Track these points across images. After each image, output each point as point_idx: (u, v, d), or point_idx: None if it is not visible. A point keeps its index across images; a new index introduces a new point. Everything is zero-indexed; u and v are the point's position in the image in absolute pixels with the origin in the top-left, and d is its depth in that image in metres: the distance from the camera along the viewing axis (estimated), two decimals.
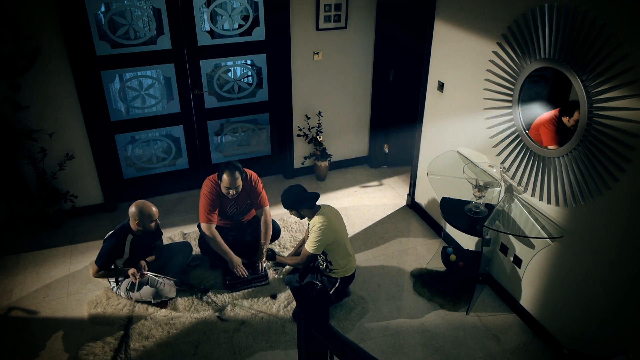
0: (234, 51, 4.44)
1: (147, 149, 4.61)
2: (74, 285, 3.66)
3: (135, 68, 4.20)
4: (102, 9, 3.93)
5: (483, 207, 3.39)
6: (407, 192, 4.71)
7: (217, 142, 4.92)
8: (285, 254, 3.93)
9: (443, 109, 3.89)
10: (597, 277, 2.75)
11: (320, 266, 3.39)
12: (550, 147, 2.86)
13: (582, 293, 2.87)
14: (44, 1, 3.60)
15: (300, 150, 5.01)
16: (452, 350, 3.15)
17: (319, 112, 4.87)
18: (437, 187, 3.76)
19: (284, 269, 3.74)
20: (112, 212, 4.53)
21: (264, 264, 3.66)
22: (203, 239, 3.74)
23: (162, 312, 3.38)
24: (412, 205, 4.62)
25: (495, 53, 3.15)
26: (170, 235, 4.15)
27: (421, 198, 4.47)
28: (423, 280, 3.68)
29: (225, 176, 3.49)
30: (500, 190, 3.32)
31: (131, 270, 3.34)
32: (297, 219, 4.36)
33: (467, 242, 3.81)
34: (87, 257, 3.93)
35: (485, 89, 3.31)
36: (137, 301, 3.43)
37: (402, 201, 4.74)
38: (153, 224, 3.37)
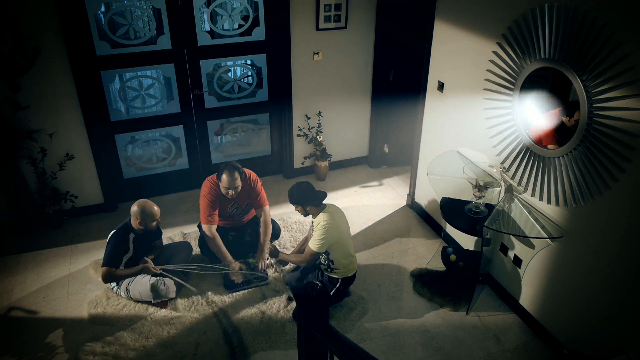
0: (234, 51, 4.44)
1: (147, 149, 4.61)
2: (74, 285, 3.66)
3: (135, 68, 4.20)
4: (102, 9, 3.93)
5: (483, 207, 3.39)
6: (407, 192, 4.71)
7: (217, 142, 4.92)
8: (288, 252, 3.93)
9: (443, 109, 3.89)
10: (597, 277, 2.75)
11: (322, 265, 3.39)
12: (549, 147, 2.86)
13: (582, 293, 2.87)
14: (44, 1, 3.60)
15: (300, 150, 5.01)
16: (452, 350, 3.15)
17: (319, 112, 4.87)
18: (437, 187, 3.76)
19: (284, 267, 3.74)
20: (112, 212, 4.53)
21: (267, 261, 3.66)
22: (203, 239, 3.74)
23: (162, 312, 3.38)
24: (412, 205, 4.62)
25: (495, 53, 3.15)
26: (170, 235, 4.15)
27: (421, 198, 4.47)
28: (423, 280, 3.68)
29: (224, 176, 3.50)
30: (500, 190, 3.32)
31: (150, 266, 3.38)
32: (298, 219, 4.35)
33: (467, 242, 3.81)
34: (87, 257, 3.93)
35: (485, 89, 3.31)
36: (137, 301, 3.43)
37: (402, 201, 4.74)
38: (154, 224, 3.39)
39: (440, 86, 3.85)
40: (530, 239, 3.11)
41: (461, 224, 3.34)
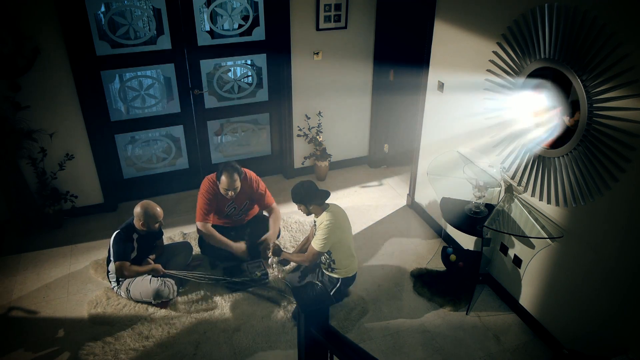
0: (234, 51, 4.44)
1: (147, 149, 4.61)
2: (74, 285, 3.66)
3: (135, 68, 4.21)
4: (102, 9, 3.93)
5: (483, 207, 3.39)
6: (407, 192, 4.71)
7: (217, 142, 4.92)
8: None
9: (443, 109, 3.89)
10: (597, 277, 2.75)
11: (323, 265, 3.39)
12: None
13: (582, 293, 2.87)
14: (44, 1, 3.60)
15: (300, 150, 5.01)
16: (452, 350, 3.15)
17: (319, 112, 4.87)
18: (437, 187, 3.76)
19: (285, 267, 3.74)
20: (112, 212, 4.53)
21: (270, 260, 3.66)
22: (203, 239, 3.74)
23: (162, 312, 3.38)
24: (412, 205, 4.62)
25: (495, 53, 3.15)
26: (170, 235, 4.15)
27: (421, 198, 4.47)
28: (423, 280, 3.68)
29: (223, 178, 3.50)
30: (500, 190, 3.32)
31: (156, 265, 3.42)
32: (298, 219, 4.35)
33: (467, 242, 3.81)
34: (87, 257, 3.93)
35: (485, 89, 3.31)
36: (137, 301, 3.43)
37: (402, 201, 4.74)
38: (157, 225, 3.41)
39: (441, 86, 3.85)
40: (530, 239, 3.11)
41: (461, 224, 3.34)
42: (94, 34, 3.89)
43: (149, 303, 3.41)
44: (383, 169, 5.31)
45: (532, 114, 2.95)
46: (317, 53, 4.59)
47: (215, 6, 4.22)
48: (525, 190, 3.12)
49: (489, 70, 3.23)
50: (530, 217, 3.05)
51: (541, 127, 2.91)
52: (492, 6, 3.14)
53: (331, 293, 3.32)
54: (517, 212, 3.14)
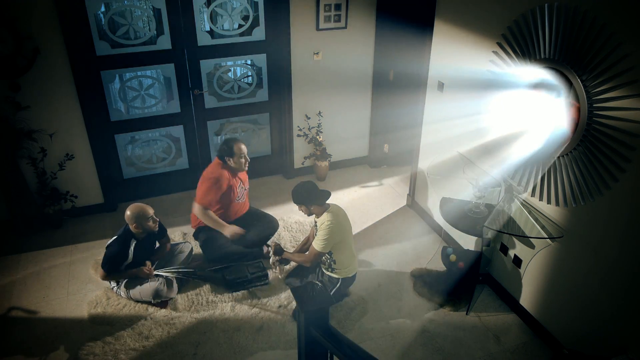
0: (234, 51, 4.44)
1: (147, 149, 4.61)
2: (74, 285, 3.66)
3: (135, 68, 4.20)
4: (102, 9, 3.93)
5: (483, 207, 3.39)
6: (407, 192, 4.71)
7: (217, 142, 4.92)
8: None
9: (443, 109, 3.89)
10: (597, 277, 2.75)
11: (323, 265, 3.39)
12: None
13: (582, 293, 2.87)
14: (44, 1, 3.60)
15: (300, 150, 5.01)
16: (452, 350, 3.15)
17: (319, 112, 4.87)
18: (437, 187, 3.76)
19: (286, 267, 3.74)
20: (112, 212, 4.53)
21: (271, 260, 3.66)
22: (206, 244, 3.75)
23: (162, 312, 3.38)
24: (412, 205, 4.62)
25: (495, 53, 3.15)
26: (171, 235, 4.14)
27: (421, 198, 4.47)
28: (423, 280, 3.68)
29: (237, 147, 3.61)
30: (500, 190, 3.32)
31: (145, 269, 3.40)
32: (298, 219, 4.35)
33: (467, 242, 3.81)
34: (87, 257, 3.93)
35: (485, 89, 3.31)
36: (137, 301, 3.43)
37: (402, 201, 4.74)
38: (151, 223, 3.37)
39: (440, 86, 3.85)
40: (530, 239, 3.11)
41: (461, 224, 3.34)
42: (94, 34, 3.89)
43: (149, 303, 3.41)
44: (383, 169, 5.31)
45: (532, 114, 2.95)
46: (317, 53, 4.59)
47: (215, 6, 4.22)
48: (525, 190, 3.12)
49: (489, 71, 3.23)
50: (530, 217, 3.05)
51: (541, 127, 2.91)
52: (492, 6, 3.14)
53: (331, 293, 3.32)
54: (517, 212, 3.15)
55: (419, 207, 4.50)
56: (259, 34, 4.43)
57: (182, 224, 4.34)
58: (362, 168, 5.32)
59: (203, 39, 4.27)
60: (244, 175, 3.87)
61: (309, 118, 4.84)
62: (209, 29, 4.42)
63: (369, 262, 3.92)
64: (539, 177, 2.98)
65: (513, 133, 3.12)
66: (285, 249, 3.60)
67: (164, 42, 4.15)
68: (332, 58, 4.66)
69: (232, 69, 4.71)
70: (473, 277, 3.45)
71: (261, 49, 4.50)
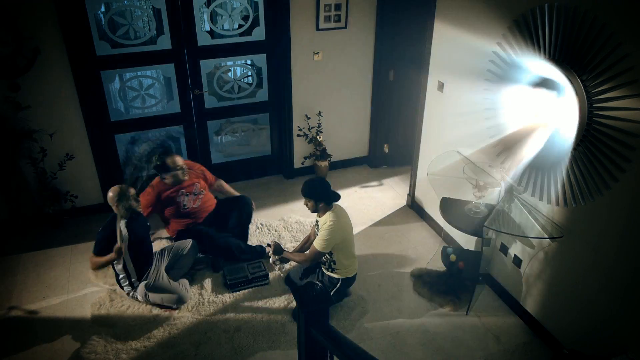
0: (234, 51, 4.44)
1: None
2: (74, 285, 3.66)
3: (135, 68, 4.21)
4: (102, 9, 3.94)
5: (483, 207, 3.39)
6: (407, 192, 4.71)
7: (217, 142, 4.92)
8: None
9: (443, 109, 3.89)
10: (597, 277, 2.75)
11: (323, 265, 3.39)
12: None
13: (582, 293, 2.87)
14: (44, 1, 3.60)
15: (300, 150, 5.01)
16: (452, 350, 3.15)
17: (319, 112, 4.87)
18: (437, 187, 3.76)
19: (285, 266, 3.74)
20: (112, 212, 4.52)
21: (270, 259, 3.67)
22: (202, 241, 3.76)
23: (164, 313, 3.38)
24: (412, 205, 4.62)
25: (496, 53, 3.15)
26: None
27: (421, 198, 4.47)
28: (423, 280, 3.68)
29: (170, 160, 3.62)
30: (500, 190, 3.32)
31: (116, 247, 3.26)
32: (298, 219, 4.35)
33: (467, 242, 3.81)
34: (87, 257, 3.92)
35: (485, 89, 3.31)
36: (157, 305, 3.41)
37: (402, 201, 4.74)
38: (134, 202, 3.37)
39: (441, 86, 3.85)
40: (530, 239, 3.11)
41: (461, 224, 3.34)
42: (94, 34, 3.89)
43: (170, 307, 3.40)
44: (383, 169, 5.31)
45: (531, 113, 2.95)
46: (317, 53, 4.59)
47: (215, 6, 4.22)
48: (525, 190, 3.12)
49: (489, 71, 3.23)
50: (530, 217, 3.05)
51: (541, 127, 2.91)
52: (492, 6, 3.14)
53: (331, 293, 3.32)
54: (517, 212, 3.15)
55: (419, 207, 4.50)
56: (259, 34, 4.43)
57: None
58: (362, 168, 5.32)
59: (203, 39, 4.27)
60: (190, 182, 3.81)
61: (309, 118, 4.84)
62: (209, 29, 4.42)
63: (369, 262, 3.92)
64: (539, 177, 2.98)
65: (513, 133, 3.12)
66: (285, 249, 3.60)
67: (164, 42, 4.15)
68: (332, 58, 4.66)
69: (232, 69, 4.72)
70: (473, 277, 3.46)
71: (261, 49, 4.51)
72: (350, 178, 5.12)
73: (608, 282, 2.69)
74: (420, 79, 4.12)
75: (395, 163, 5.32)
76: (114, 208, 3.36)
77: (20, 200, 4.05)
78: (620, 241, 2.57)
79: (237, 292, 3.55)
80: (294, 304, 3.43)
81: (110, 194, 3.35)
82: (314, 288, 3.35)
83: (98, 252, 3.31)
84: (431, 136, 4.13)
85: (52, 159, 4.11)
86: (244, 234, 4.00)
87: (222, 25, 4.48)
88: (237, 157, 4.97)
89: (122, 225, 3.34)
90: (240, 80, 4.68)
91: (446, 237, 4.11)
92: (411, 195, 4.60)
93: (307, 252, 3.39)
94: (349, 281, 3.40)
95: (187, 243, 3.74)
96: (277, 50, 4.50)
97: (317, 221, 3.34)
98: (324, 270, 3.40)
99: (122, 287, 3.46)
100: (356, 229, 4.30)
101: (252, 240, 4.10)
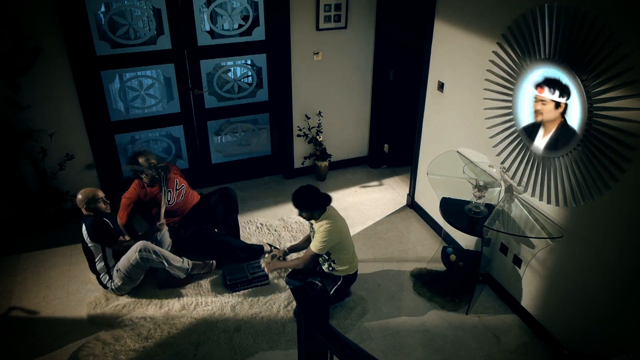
0: (234, 51, 4.44)
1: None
2: (74, 285, 3.66)
3: (135, 68, 4.21)
4: (102, 9, 3.94)
5: (483, 207, 3.39)
6: (407, 192, 4.71)
7: (217, 142, 4.92)
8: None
9: (443, 109, 3.89)
10: (597, 277, 2.75)
11: (323, 265, 3.38)
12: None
13: (582, 293, 2.87)
14: (44, 1, 3.60)
15: (300, 150, 5.01)
16: (452, 350, 3.15)
17: (319, 112, 4.87)
18: (437, 187, 3.76)
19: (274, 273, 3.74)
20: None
21: (263, 264, 3.67)
22: (194, 241, 3.77)
23: (162, 312, 3.38)
24: (412, 205, 4.62)
25: (495, 53, 3.15)
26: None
27: (421, 198, 4.47)
28: (423, 280, 3.68)
29: (141, 159, 3.63)
30: (500, 190, 3.32)
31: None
32: (298, 219, 4.35)
33: (467, 242, 3.81)
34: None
35: (485, 89, 3.31)
36: (130, 276, 3.42)
37: (402, 201, 4.74)
38: (102, 204, 3.44)
39: (440, 86, 3.85)
40: (530, 239, 3.11)
41: (461, 224, 3.34)
42: (94, 34, 3.89)
43: (153, 271, 3.51)
44: (383, 169, 5.31)
45: (531, 113, 2.95)
46: (317, 53, 4.59)
47: (215, 6, 4.22)
48: (525, 190, 3.12)
49: (489, 70, 3.23)
50: (530, 217, 3.05)
51: (541, 127, 2.91)
52: (492, 6, 3.14)
53: (332, 291, 3.31)
54: (517, 212, 3.15)
55: (419, 207, 4.50)
56: (259, 34, 4.43)
57: None
58: (362, 168, 5.32)
59: (203, 39, 4.27)
60: (169, 177, 3.81)
61: (309, 118, 4.84)
62: (209, 29, 4.42)
63: (369, 262, 3.92)
64: (539, 177, 2.98)
65: (513, 133, 3.12)
66: (280, 258, 3.62)
67: (164, 42, 4.15)
68: (332, 58, 4.66)
69: (232, 69, 4.72)
70: (473, 277, 3.46)
71: (261, 49, 4.51)
72: (350, 178, 5.12)
73: (608, 282, 2.69)
74: (420, 79, 4.12)
75: (395, 163, 5.32)
76: (82, 209, 3.41)
77: (20, 200, 4.05)
78: (621, 241, 2.57)
79: (237, 292, 3.55)
80: (294, 303, 3.43)
81: (79, 196, 3.39)
82: (314, 288, 3.36)
83: (112, 241, 3.41)
84: (431, 136, 4.13)
85: (52, 159, 4.11)
86: (235, 226, 4.00)
87: (222, 26, 4.48)
88: (237, 157, 4.97)
89: (106, 222, 3.44)
90: (240, 80, 4.68)
91: (446, 237, 4.11)
92: (411, 195, 4.61)
93: (302, 255, 3.39)
94: (350, 278, 3.40)
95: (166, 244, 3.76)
96: (277, 50, 4.50)
97: (311, 224, 3.34)
98: (325, 270, 3.40)
99: (104, 285, 3.49)
100: (356, 229, 4.30)
101: (252, 240, 4.10)
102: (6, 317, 3.37)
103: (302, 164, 5.09)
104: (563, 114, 2.69)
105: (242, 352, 3.10)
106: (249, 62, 4.76)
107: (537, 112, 2.84)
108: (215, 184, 4.83)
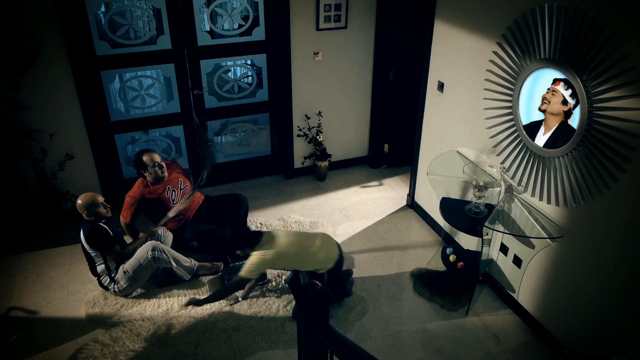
0: (234, 51, 4.44)
1: None
2: (74, 285, 3.66)
3: (135, 68, 4.21)
4: (102, 9, 3.94)
5: (483, 207, 3.39)
6: (407, 192, 4.71)
7: (217, 142, 4.92)
8: None
9: (443, 109, 3.89)
10: (597, 277, 2.75)
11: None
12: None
13: (582, 293, 2.87)
14: (44, 1, 3.60)
15: (300, 150, 5.01)
16: (452, 350, 3.15)
17: (319, 112, 4.87)
18: (437, 187, 3.76)
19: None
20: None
21: None
22: (202, 239, 3.76)
23: (161, 311, 3.38)
24: (412, 205, 4.62)
25: (495, 53, 3.15)
26: None
27: (421, 198, 4.47)
28: (423, 280, 3.68)
29: (145, 158, 3.64)
30: (500, 190, 3.32)
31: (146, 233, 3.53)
32: (298, 219, 4.36)
33: (467, 242, 3.81)
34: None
35: (485, 89, 3.31)
36: (137, 278, 3.41)
37: (402, 201, 4.74)
38: (102, 209, 3.41)
39: (440, 86, 3.85)
40: (530, 239, 3.11)
41: (461, 224, 3.34)
42: (94, 34, 3.89)
43: (156, 272, 3.50)
44: (383, 169, 5.31)
45: (531, 113, 2.95)
46: (317, 53, 4.59)
47: (215, 6, 4.22)
48: (525, 190, 3.12)
49: (489, 70, 3.24)
50: (530, 217, 3.05)
51: (542, 124, 2.91)
52: (492, 6, 3.14)
53: (324, 284, 3.24)
54: (517, 212, 3.15)
55: (419, 207, 4.50)
56: (259, 34, 4.43)
57: None
58: (362, 168, 5.32)
59: (203, 39, 4.27)
60: (174, 177, 3.84)
61: (309, 118, 4.84)
62: (209, 29, 4.42)
63: (369, 262, 3.92)
64: (539, 177, 2.98)
65: (513, 133, 3.12)
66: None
67: (164, 42, 4.15)
68: (332, 58, 4.66)
69: (232, 69, 4.71)
70: (473, 277, 3.46)
71: (261, 49, 4.51)
72: (350, 178, 5.12)
73: (608, 282, 2.69)
74: (420, 79, 4.12)
75: (395, 163, 5.32)
76: (82, 214, 3.39)
77: (20, 200, 4.05)
78: (621, 241, 2.57)
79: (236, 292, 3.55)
80: (293, 303, 3.43)
81: (79, 201, 3.38)
82: (314, 288, 3.36)
83: (111, 247, 3.41)
84: (431, 136, 4.13)
85: (52, 159, 4.11)
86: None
87: (222, 26, 4.48)
88: (237, 157, 4.97)
89: (104, 226, 3.44)
90: (240, 80, 4.68)
91: (446, 237, 4.11)
92: (411, 195, 4.61)
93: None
94: (335, 271, 3.27)
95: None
96: (277, 50, 4.50)
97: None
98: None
99: (105, 288, 3.49)
100: (356, 229, 4.30)
101: None
102: (6, 317, 3.37)
103: (302, 164, 5.09)
104: (567, 114, 2.69)
105: (241, 352, 3.10)
106: (249, 62, 4.76)
107: (544, 100, 2.79)
108: (215, 184, 4.83)
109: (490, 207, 3.38)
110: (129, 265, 3.40)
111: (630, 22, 2.29)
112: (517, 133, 3.08)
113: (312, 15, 4.39)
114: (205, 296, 3.38)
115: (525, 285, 3.29)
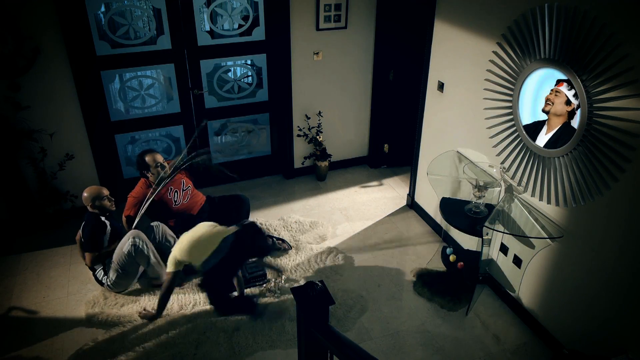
0: (234, 51, 4.44)
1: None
2: (74, 285, 3.66)
3: (135, 68, 4.21)
4: (102, 9, 3.93)
5: (483, 207, 3.39)
6: (407, 192, 4.71)
7: (217, 142, 4.92)
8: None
9: (443, 109, 3.89)
10: (597, 277, 2.75)
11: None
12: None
13: (582, 293, 2.87)
14: (44, 1, 3.60)
15: (300, 150, 5.01)
16: (452, 350, 3.15)
17: (319, 112, 4.87)
18: (437, 187, 3.76)
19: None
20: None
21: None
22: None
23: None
24: (412, 205, 4.62)
25: (495, 53, 3.15)
26: None
27: (421, 198, 4.47)
28: (423, 280, 3.68)
29: (147, 158, 3.65)
30: (500, 190, 3.32)
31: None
32: (297, 219, 4.36)
33: (467, 242, 3.81)
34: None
35: (485, 89, 3.31)
36: (124, 270, 3.41)
37: (402, 201, 4.74)
38: (107, 201, 3.47)
39: (440, 86, 3.85)
40: (530, 239, 3.11)
41: (461, 224, 3.34)
42: (94, 34, 3.90)
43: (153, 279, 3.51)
44: (383, 169, 5.31)
45: (531, 113, 2.95)
46: (317, 53, 4.59)
47: (215, 6, 4.22)
48: (525, 190, 3.12)
49: (489, 70, 3.23)
50: (530, 217, 3.05)
51: (545, 124, 2.91)
52: (492, 6, 3.14)
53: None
54: (517, 212, 3.15)
55: (419, 207, 4.50)
56: (259, 34, 4.43)
57: None
58: (362, 168, 5.32)
59: (203, 39, 4.27)
60: (176, 178, 3.82)
61: (309, 118, 4.84)
62: (209, 29, 4.42)
63: (369, 262, 3.92)
64: (539, 177, 2.98)
65: (513, 132, 3.12)
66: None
67: (164, 42, 4.15)
68: (332, 58, 4.66)
69: (232, 69, 4.71)
70: (473, 277, 3.46)
71: (261, 49, 4.51)
72: (350, 178, 5.12)
73: (608, 282, 2.69)
74: (420, 79, 4.12)
75: (395, 163, 5.32)
76: (87, 207, 3.46)
77: (20, 200, 4.05)
78: (621, 241, 2.57)
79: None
80: (294, 303, 3.43)
81: (85, 194, 3.43)
82: (314, 288, 3.35)
83: (92, 247, 3.41)
84: (431, 136, 4.13)
85: (52, 159, 4.11)
86: None
87: (222, 25, 4.48)
88: (237, 157, 4.97)
89: (103, 220, 3.47)
90: (240, 80, 4.68)
91: (446, 237, 4.11)
92: (411, 195, 4.61)
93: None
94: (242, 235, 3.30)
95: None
96: (277, 50, 4.50)
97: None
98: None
99: (100, 282, 3.52)
100: (356, 229, 4.31)
101: None
102: (6, 317, 3.37)
103: (302, 164, 5.09)
104: (570, 115, 2.68)
105: (241, 352, 3.10)
106: (249, 62, 4.76)
107: (547, 101, 2.79)
108: (215, 184, 4.83)
109: (490, 207, 3.38)
110: (114, 256, 3.43)
111: (630, 22, 2.29)
112: (517, 133, 3.08)
113: (312, 15, 4.39)
114: (155, 307, 3.36)
115: (525, 285, 3.29)
